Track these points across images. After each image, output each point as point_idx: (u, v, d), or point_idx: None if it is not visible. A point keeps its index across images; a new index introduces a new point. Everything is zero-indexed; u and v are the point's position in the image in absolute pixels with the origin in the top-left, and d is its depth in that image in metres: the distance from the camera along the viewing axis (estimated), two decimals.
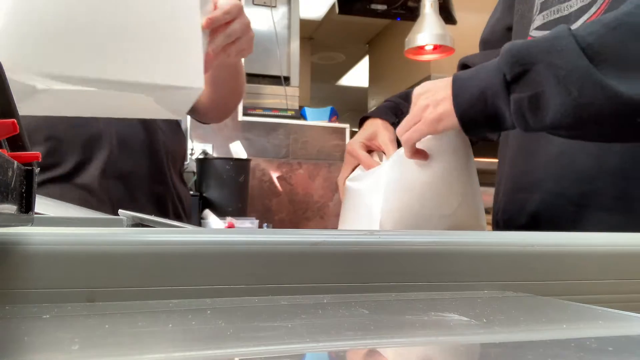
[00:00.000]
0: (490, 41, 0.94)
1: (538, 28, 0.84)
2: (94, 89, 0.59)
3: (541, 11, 0.84)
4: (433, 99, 0.62)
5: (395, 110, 0.83)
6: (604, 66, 0.54)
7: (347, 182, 0.77)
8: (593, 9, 0.74)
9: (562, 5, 0.79)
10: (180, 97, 0.64)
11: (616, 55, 0.55)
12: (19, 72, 0.54)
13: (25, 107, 0.56)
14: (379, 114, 0.83)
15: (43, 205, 0.53)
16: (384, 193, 0.62)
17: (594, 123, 0.56)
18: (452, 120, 0.61)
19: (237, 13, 0.69)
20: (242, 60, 0.96)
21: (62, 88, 0.57)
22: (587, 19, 0.75)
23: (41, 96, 0.57)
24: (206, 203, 2.50)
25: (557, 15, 0.80)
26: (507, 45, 0.59)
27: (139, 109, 0.69)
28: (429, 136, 0.63)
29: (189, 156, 2.64)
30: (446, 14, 2.74)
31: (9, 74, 0.31)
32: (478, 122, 0.60)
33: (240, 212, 2.53)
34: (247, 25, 0.71)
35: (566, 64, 0.54)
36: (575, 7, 0.77)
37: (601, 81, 0.53)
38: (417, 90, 0.65)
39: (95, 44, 0.57)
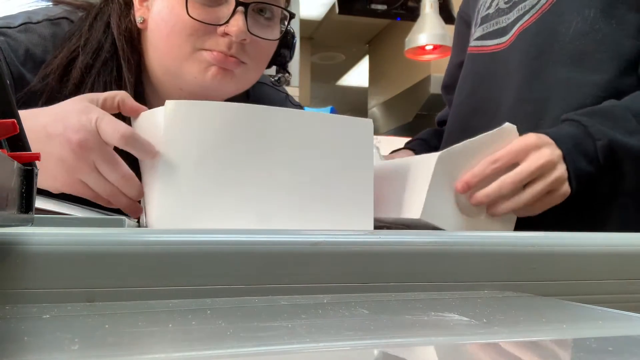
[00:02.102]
0: (451, 85, 1.01)
1: (477, 39, 0.90)
2: None
3: (481, 24, 0.90)
4: (559, 177, 0.64)
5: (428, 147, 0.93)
6: None
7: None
8: (526, 17, 0.81)
9: (501, 19, 0.86)
10: None
11: None
12: None
13: None
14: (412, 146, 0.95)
15: (44, 203, 0.53)
16: (430, 185, 0.61)
17: None
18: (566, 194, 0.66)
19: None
20: None
21: None
22: (520, 27, 0.81)
23: None
24: None
25: (496, 27, 0.87)
26: (605, 142, 0.66)
27: None
28: (484, 138, 0.65)
29: None
30: (446, 14, 2.74)
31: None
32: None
33: None
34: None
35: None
36: (512, 19, 0.84)
37: None
38: (530, 142, 0.64)
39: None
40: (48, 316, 0.29)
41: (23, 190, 0.31)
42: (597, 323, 0.31)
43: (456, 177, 0.64)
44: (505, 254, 0.42)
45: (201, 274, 0.36)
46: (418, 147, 0.97)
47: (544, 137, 0.65)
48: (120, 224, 0.48)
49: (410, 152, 0.95)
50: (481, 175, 0.63)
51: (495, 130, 0.65)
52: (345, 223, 0.56)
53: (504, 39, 0.84)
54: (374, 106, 4.27)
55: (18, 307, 0.32)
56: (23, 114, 0.57)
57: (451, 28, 2.87)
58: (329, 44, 4.65)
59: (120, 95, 0.57)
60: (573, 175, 0.65)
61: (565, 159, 0.65)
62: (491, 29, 0.87)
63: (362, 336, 0.27)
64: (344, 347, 0.25)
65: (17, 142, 0.32)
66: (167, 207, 0.51)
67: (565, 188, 0.65)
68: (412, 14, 2.95)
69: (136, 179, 0.55)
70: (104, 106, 0.56)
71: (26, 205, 0.31)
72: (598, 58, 0.74)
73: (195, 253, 0.36)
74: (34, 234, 0.34)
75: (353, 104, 5.82)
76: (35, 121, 0.54)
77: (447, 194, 0.63)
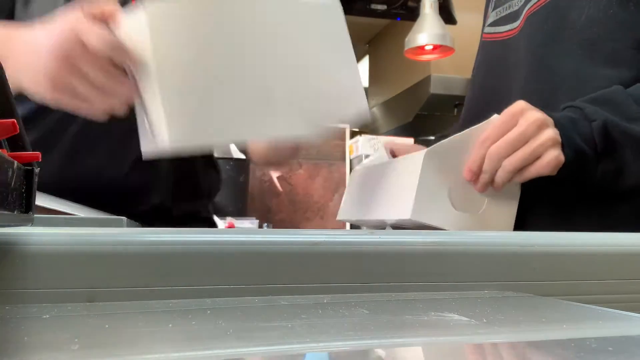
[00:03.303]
0: None
1: (491, 24, 0.86)
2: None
3: (495, 8, 0.85)
4: (552, 137, 0.62)
5: None
6: None
7: (357, 169, 0.77)
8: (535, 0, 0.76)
9: (513, 1, 0.81)
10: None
11: None
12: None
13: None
14: None
15: (45, 202, 0.53)
16: (418, 183, 0.61)
17: None
18: (557, 167, 0.63)
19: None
20: None
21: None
22: (528, 10, 0.77)
23: None
24: None
25: (509, 11, 0.82)
26: (600, 122, 0.63)
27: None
28: (467, 135, 0.63)
29: None
30: (446, 14, 2.74)
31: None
32: (568, 174, 0.64)
33: (240, 212, 2.53)
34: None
35: None
36: (523, 1, 0.78)
37: None
38: (516, 108, 0.63)
39: (244, 108, 0.54)
40: (48, 316, 0.29)
41: (23, 190, 0.31)
42: (597, 323, 0.31)
43: (447, 173, 0.63)
44: (505, 254, 0.42)
45: (201, 274, 0.36)
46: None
47: (548, 119, 0.62)
48: (120, 224, 0.48)
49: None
50: (479, 157, 0.62)
51: (482, 122, 0.64)
52: (337, 107, 0.57)
53: (515, 24, 0.79)
54: (374, 106, 4.27)
55: (18, 307, 0.32)
56: (6, 32, 0.58)
57: (451, 28, 2.88)
58: None
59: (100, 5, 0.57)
60: (566, 143, 0.62)
61: (557, 126, 0.62)
62: (504, 13, 0.82)
63: (362, 336, 0.27)
64: (344, 347, 0.25)
65: (17, 142, 0.32)
66: (176, 112, 0.52)
67: (557, 153, 0.62)
68: (412, 14, 2.95)
69: (125, 77, 0.56)
70: (86, 17, 0.56)
71: (26, 205, 0.31)
72: (611, 48, 0.69)
73: (195, 253, 0.36)
74: (34, 234, 0.34)
75: None
76: (19, 36, 0.54)
77: (438, 191, 0.62)
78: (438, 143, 0.63)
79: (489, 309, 0.34)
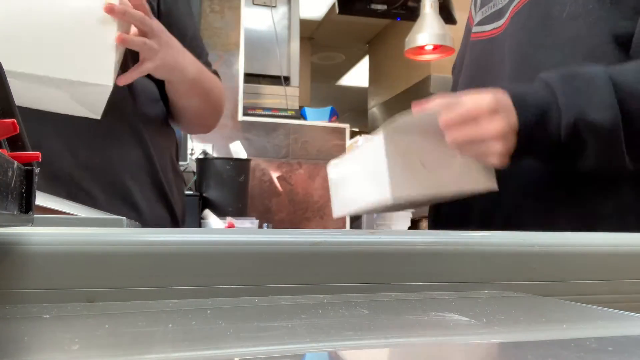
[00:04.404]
0: (459, 66, 0.97)
1: (477, 24, 0.86)
2: (15, 80, 0.65)
3: (481, 7, 0.86)
4: (498, 127, 0.62)
5: None
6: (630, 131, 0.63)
7: (332, 168, 0.78)
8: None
9: (498, 0, 0.81)
10: (93, 94, 0.72)
11: None
12: None
13: None
14: None
15: (45, 202, 0.53)
16: (387, 163, 0.61)
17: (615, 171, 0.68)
18: (510, 141, 0.62)
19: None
20: (210, 73, 0.97)
21: None
22: (513, 9, 0.77)
23: None
24: (206, 203, 2.50)
25: (493, 10, 0.82)
26: (570, 120, 0.62)
27: (60, 105, 0.75)
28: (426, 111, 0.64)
29: (189, 156, 2.64)
30: (446, 14, 2.74)
31: None
32: (524, 155, 0.64)
33: (240, 212, 2.53)
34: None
35: (610, 149, 0.63)
36: (507, 0, 0.79)
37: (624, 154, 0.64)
38: (484, 106, 0.63)
39: (10, 37, 0.66)
40: (48, 316, 0.29)
41: (23, 190, 0.31)
42: (597, 323, 0.31)
43: (411, 144, 0.63)
44: (505, 254, 0.42)
45: (201, 274, 0.36)
46: None
47: (503, 101, 0.62)
48: (120, 224, 0.48)
49: None
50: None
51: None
52: (81, 74, 0.69)
53: (500, 23, 0.80)
54: (374, 106, 4.27)
55: (18, 307, 0.32)
56: None
57: (451, 28, 2.88)
58: (329, 44, 4.65)
59: None
60: (523, 132, 0.62)
61: (519, 129, 0.62)
62: (489, 12, 0.83)
63: (362, 336, 0.27)
64: (344, 347, 0.25)
65: (17, 142, 0.32)
66: None
67: (500, 146, 0.62)
68: (412, 14, 2.95)
69: None
70: None
71: (26, 205, 0.31)
72: (592, 43, 0.69)
73: (195, 253, 0.36)
74: (34, 234, 0.34)
75: (353, 104, 5.82)
76: None
77: (408, 162, 0.62)
78: (393, 122, 0.63)
79: (489, 309, 0.34)
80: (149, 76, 0.88)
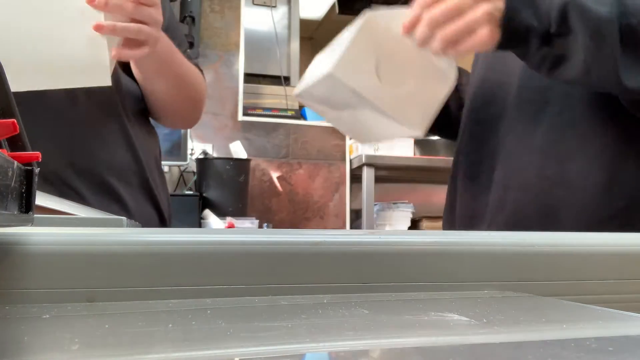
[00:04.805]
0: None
1: None
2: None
3: None
4: (486, 10, 0.59)
5: None
6: (628, 53, 0.59)
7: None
8: None
9: None
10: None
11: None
12: None
13: None
14: None
15: (45, 202, 0.53)
16: (348, 46, 0.60)
17: (601, 92, 0.66)
18: (493, 36, 0.60)
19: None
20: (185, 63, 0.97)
21: None
22: None
23: None
24: (206, 203, 2.50)
25: None
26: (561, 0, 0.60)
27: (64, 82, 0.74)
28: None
29: (189, 156, 2.64)
30: None
31: None
32: (510, 44, 0.62)
33: (240, 212, 2.53)
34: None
35: (599, 50, 0.59)
36: None
37: (617, 72, 0.59)
38: None
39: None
40: (48, 316, 0.29)
41: (23, 190, 0.31)
42: (597, 323, 0.31)
43: (380, 42, 0.62)
44: (505, 254, 0.42)
45: (201, 274, 0.36)
46: None
47: None
48: (120, 224, 0.48)
49: None
50: (414, 18, 0.62)
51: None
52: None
53: None
54: None
55: (18, 307, 0.32)
56: None
57: None
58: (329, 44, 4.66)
59: None
60: (511, 16, 0.60)
61: (506, 11, 0.60)
62: None
63: (362, 336, 0.27)
64: (344, 347, 0.25)
65: (17, 142, 0.32)
66: None
67: (490, 29, 0.60)
68: None
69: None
70: None
71: (26, 205, 0.31)
72: None
73: (195, 253, 0.36)
74: (34, 234, 0.34)
75: None
76: None
77: (366, 57, 0.61)
78: (380, 11, 0.63)
79: (489, 309, 0.34)
80: (129, 74, 0.88)
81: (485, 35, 0.60)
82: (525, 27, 0.61)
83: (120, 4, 0.70)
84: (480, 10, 0.60)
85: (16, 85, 0.70)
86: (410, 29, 0.62)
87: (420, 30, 0.62)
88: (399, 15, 0.63)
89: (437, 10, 0.61)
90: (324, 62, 0.69)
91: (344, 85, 0.61)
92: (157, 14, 0.76)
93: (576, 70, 0.61)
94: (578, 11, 0.59)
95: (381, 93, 0.62)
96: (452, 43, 0.61)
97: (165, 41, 0.86)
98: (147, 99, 0.97)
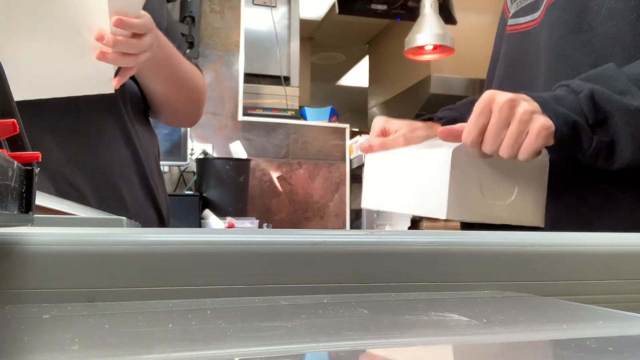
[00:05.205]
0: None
1: (512, 16, 0.84)
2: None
3: (514, 0, 0.84)
4: (527, 109, 0.60)
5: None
6: None
7: (372, 156, 0.77)
8: None
9: None
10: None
11: None
12: None
13: None
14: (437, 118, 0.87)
15: (45, 202, 0.53)
16: (450, 180, 0.60)
17: None
18: (549, 135, 0.61)
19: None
20: (187, 62, 0.98)
21: None
22: (548, 0, 0.75)
23: None
24: (206, 203, 2.50)
25: (528, 1, 0.80)
26: (586, 92, 0.61)
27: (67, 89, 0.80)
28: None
29: (189, 156, 2.64)
30: (446, 14, 2.74)
31: None
32: (563, 144, 0.62)
33: (240, 212, 2.53)
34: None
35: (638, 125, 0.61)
36: None
37: None
38: (488, 97, 0.62)
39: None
40: (48, 316, 0.29)
41: (23, 190, 0.31)
42: (597, 323, 0.31)
43: (474, 167, 0.63)
44: (505, 254, 0.42)
45: (201, 274, 0.36)
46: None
47: (522, 95, 0.61)
48: (120, 224, 0.48)
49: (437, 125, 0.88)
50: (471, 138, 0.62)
51: None
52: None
53: (536, 15, 0.77)
54: (374, 106, 4.27)
55: (18, 307, 0.32)
56: None
57: (451, 28, 2.88)
58: (329, 44, 4.65)
59: None
60: (554, 115, 0.61)
61: (542, 106, 0.61)
62: (524, 4, 0.80)
63: (362, 336, 0.27)
64: (344, 347, 0.25)
65: (17, 142, 0.32)
66: None
67: (542, 120, 0.60)
68: (412, 14, 2.95)
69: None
70: None
71: (26, 205, 0.31)
72: (631, 42, 0.66)
73: (195, 253, 0.36)
74: (34, 234, 0.34)
75: (353, 104, 5.82)
76: None
77: (468, 186, 0.62)
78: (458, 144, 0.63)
79: (489, 309, 0.34)
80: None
81: (541, 127, 0.61)
82: (571, 121, 0.61)
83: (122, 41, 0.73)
84: (521, 109, 0.60)
85: (22, 94, 0.73)
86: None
87: (483, 148, 0.62)
88: None
89: (486, 139, 0.61)
90: (404, 184, 0.69)
91: (458, 218, 0.62)
92: (146, 22, 0.77)
93: (630, 148, 0.61)
94: (603, 97, 0.60)
95: (491, 210, 0.63)
96: (509, 147, 0.61)
97: (164, 43, 0.87)
98: (148, 98, 0.97)
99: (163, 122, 1.06)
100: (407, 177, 0.69)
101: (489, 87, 0.87)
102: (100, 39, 0.71)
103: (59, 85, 0.76)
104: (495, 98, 0.61)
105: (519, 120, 0.60)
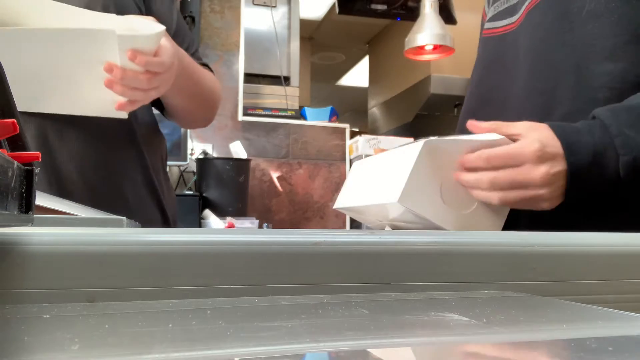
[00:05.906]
0: None
1: (489, 20, 0.84)
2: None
3: (493, 3, 0.84)
4: (548, 191, 0.60)
5: None
6: None
7: (356, 164, 0.78)
8: None
9: None
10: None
11: None
12: None
13: None
14: None
15: (45, 202, 0.53)
16: (410, 172, 0.60)
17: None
18: (558, 186, 0.61)
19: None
20: (206, 70, 0.99)
21: None
22: (529, 4, 0.75)
23: None
24: (206, 203, 2.50)
25: (507, 5, 0.81)
26: (630, 158, 0.59)
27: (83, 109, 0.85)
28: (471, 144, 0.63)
29: (189, 156, 2.64)
30: (446, 14, 2.74)
31: None
32: (582, 195, 0.62)
33: (240, 212, 2.53)
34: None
35: None
36: None
37: None
38: (530, 153, 0.61)
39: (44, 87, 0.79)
40: (48, 316, 0.29)
41: (23, 190, 0.31)
42: (597, 323, 0.31)
43: (441, 168, 0.62)
44: (505, 254, 0.42)
45: (201, 274, 0.36)
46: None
47: (550, 148, 0.60)
48: (120, 224, 0.48)
49: None
50: (471, 165, 0.62)
51: (488, 140, 0.63)
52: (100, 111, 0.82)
53: (514, 19, 0.78)
54: (374, 106, 4.28)
55: (18, 307, 0.32)
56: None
57: (451, 28, 2.88)
58: (329, 44, 4.66)
59: None
60: (577, 187, 0.60)
61: (570, 175, 0.60)
62: (502, 8, 0.81)
63: (362, 336, 0.27)
64: (344, 347, 0.25)
65: (17, 142, 0.32)
66: None
67: (548, 205, 0.61)
68: (412, 14, 2.95)
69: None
70: None
71: (26, 205, 0.31)
72: (612, 43, 0.67)
73: (196, 253, 0.36)
74: (34, 234, 0.34)
75: (353, 104, 5.82)
76: None
77: (430, 183, 0.62)
78: (441, 137, 0.63)
79: (489, 309, 0.34)
80: None
81: (547, 207, 0.62)
82: (593, 184, 0.61)
83: (136, 79, 0.76)
84: (538, 172, 0.60)
85: (40, 107, 0.80)
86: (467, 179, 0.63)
87: (481, 192, 0.62)
88: (459, 146, 0.63)
89: (501, 177, 0.61)
90: (372, 180, 0.69)
91: (409, 211, 0.61)
92: (164, 61, 0.78)
93: None
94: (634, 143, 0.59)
95: (448, 216, 0.63)
96: (506, 190, 0.62)
97: (187, 62, 0.88)
98: (168, 109, 0.99)
99: (179, 125, 1.08)
100: (378, 174, 0.70)
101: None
102: (109, 70, 0.74)
103: (78, 105, 0.82)
104: (539, 166, 0.60)
105: (535, 196, 0.61)
